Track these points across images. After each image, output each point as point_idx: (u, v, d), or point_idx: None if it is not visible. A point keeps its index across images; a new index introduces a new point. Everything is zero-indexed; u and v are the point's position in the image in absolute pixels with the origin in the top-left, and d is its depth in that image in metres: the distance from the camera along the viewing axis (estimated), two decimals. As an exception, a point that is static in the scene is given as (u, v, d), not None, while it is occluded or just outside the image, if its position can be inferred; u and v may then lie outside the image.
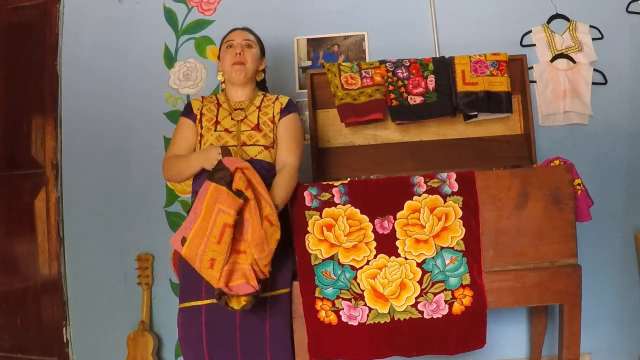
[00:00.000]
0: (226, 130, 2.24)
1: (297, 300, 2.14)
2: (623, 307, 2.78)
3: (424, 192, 2.10)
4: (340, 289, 2.10)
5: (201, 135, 2.25)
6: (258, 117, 2.28)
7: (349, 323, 2.10)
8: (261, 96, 2.35)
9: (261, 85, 2.43)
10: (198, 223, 1.96)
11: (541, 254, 2.11)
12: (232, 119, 2.27)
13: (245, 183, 1.97)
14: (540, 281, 2.10)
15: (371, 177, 2.63)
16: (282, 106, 2.31)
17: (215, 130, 2.24)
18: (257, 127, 2.26)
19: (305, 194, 2.11)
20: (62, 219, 2.97)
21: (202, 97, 2.38)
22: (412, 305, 2.09)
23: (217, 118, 2.27)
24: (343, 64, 2.72)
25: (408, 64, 2.69)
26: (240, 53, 2.26)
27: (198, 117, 2.29)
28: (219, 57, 2.37)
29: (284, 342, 2.14)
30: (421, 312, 2.09)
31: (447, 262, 2.09)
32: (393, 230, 2.10)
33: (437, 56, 2.84)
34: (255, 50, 2.32)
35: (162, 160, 2.32)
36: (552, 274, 2.10)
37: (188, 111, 2.32)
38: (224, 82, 2.37)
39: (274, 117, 2.29)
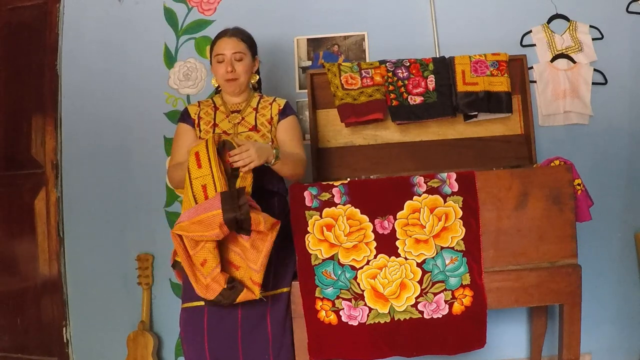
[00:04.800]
0: (224, 132, 2.25)
1: (297, 300, 2.14)
2: (623, 307, 2.79)
3: (424, 192, 2.10)
4: (341, 289, 2.10)
5: (200, 139, 2.26)
6: (255, 118, 2.29)
7: (349, 323, 2.10)
8: (257, 97, 2.36)
9: (257, 85, 2.43)
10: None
11: (541, 254, 2.11)
12: (229, 121, 2.28)
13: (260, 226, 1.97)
14: (540, 281, 2.10)
15: (371, 177, 2.64)
16: (280, 108, 2.32)
17: (213, 133, 2.24)
18: (254, 128, 2.26)
19: (305, 194, 2.11)
20: (62, 219, 2.97)
21: (199, 102, 2.39)
22: (412, 305, 2.09)
23: (214, 121, 2.28)
24: (343, 64, 2.72)
25: (408, 64, 2.69)
26: (231, 70, 2.25)
27: (196, 121, 2.30)
28: (211, 62, 2.36)
29: (286, 341, 2.14)
30: (421, 312, 2.09)
31: (447, 262, 2.09)
32: (393, 230, 2.10)
33: (437, 56, 2.84)
34: (246, 61, 2.29)
35: (162, 159, 2.34)
36: (552, 274, 2.10)
37: (185, 116, 2.33)
38: (218, 86, 2.37)
39: (272, 118, 2.30)
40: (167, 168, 2.31)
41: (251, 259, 2.00)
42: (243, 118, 2.29)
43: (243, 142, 2.05)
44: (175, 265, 2.14)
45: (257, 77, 2.40)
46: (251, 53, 2.34)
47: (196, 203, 1.98)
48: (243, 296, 1.97)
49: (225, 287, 1.94)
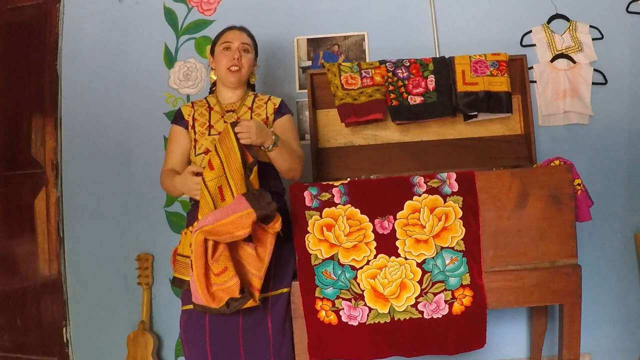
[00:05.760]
0: (219, 133, 2.23)
1: (297, 300, 2.14)
2: (623, 307, 2.79)
3: (424, 192, 2.10)
4: (340, 289, 2.10)
5: (195, 140, 2.25)
6: (251, 117, 2.28)
7: (349, 323, 2.10)
8: (252, 97, 2.35)
9: (252, 86, 2.43)
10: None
11: (541, 254, 2.11)
12: (224, 121, 2.27)
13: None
14: (540, 281, 2.10)
15: (371, 177, 2.64)
16: (276, 107, 2.32)
17: (209, 135, 2.24)
18: None
19: (305, 194, 2.11)
20: (62, 219, 2.97)
21: (192, 102, 2.37)
22: (412, 305, 2.09)
23: (209, 122, 2.27)
24: (343, 64, 2.72)
25: (408, 64, 2.69)
26: (238, 58, 2.26)
27: (190, 122, 2.28)
28: (211, 54, 2.35)
29: (287, 341, 2.14)
30: (421, 312, 2.09)
31: (447, 262, 2.09)
32: (393, 230, 2.10)
33: (437, 56, 2.84)
34: (251, 55, 2.32)
35: (162, 159, 2.33)
36: (552, 274, 2.10)
37: (179, 118, 2.31)
38: (215, 83, 2.37)
39: (267, 117, 2.29)
40: (161, 172, 2.30)
41: (255, 265, 2.01)
42: (238, 118, 2.28)
43: (248, 120, 2.06)
44: (175, 282, 2.12)
45: (256, 77, 2.42)
46: (255, 52, 2.37)
47: (214, 204, 2.00)
48: (246, 304, 1.98)
49: (239, 296, 1.94)
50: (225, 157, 2.02)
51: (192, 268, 1.96)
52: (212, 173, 2.02)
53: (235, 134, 2.02)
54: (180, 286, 2.12)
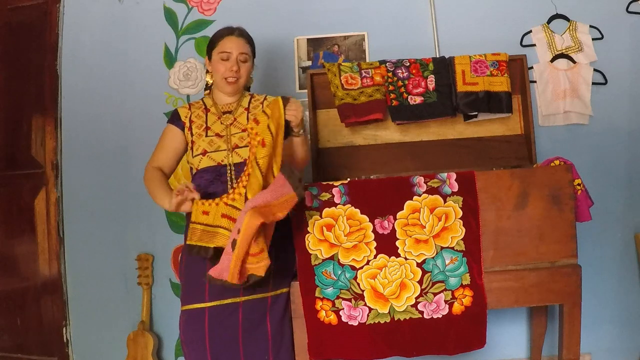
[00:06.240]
0: (217, 134, 2.22)
1: (297, 300, 2.14)
2: (623, 307, 2.79)
3: (424, 192, 2.10)
4: (340, 289, 2.10)
5: (192, 142, 2.23)
6: (247, 118, 2.27)
7: (349, 323, 2.10)
8: (248, 97, 2.34)
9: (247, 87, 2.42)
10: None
11: (541, 254, 2.11)
12: (221, 123, 2.26)
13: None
14: (540, 281, 2.10)
15: (371, 177, 2.64)
16: None
17: (206, 136, 2.23)
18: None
19: (305, 193, 2.11)
20: (62, 219, 2.97)
21: (189, 104, 2.34)
22: (412, 305, 2.09)
23: (206, 124, 2.26)
24: (343, 64, 2.72)
25: (408, 64, 2.69)
26: (237, 70, 2.23)
27: (187, 124, 2.26)
28: (208, 56, 2.31)
29: (286, 342, 2.15)
30: (421, 312, 2.09)
31: (447, 262, 2.09)
32: (393, 230, 2.10)
33: (437, 56, 2.84)
34: (249, 64, 2.28)
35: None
36: (552, 274, 2.10)
37: (175, 119, 2.28)
38: (211, 84, 2.34)
39: None
40: (146, 166, 2.27)
41: (270, 237, 2.03)
42: (235, 119, 2.27)
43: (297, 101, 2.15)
44: (199, 250, 2.05)
45: (253, 80, 2.41)
46: (253, 57, 2.33)
47: (263, 178, 2.04)
48: None
49: (263, 275, 1.94)
50: (276, 134, 2.07)
51: (233, 247, 1.93)
52: (265, 150, 2.05)
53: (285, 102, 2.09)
54: (205, 254, 2.05)
